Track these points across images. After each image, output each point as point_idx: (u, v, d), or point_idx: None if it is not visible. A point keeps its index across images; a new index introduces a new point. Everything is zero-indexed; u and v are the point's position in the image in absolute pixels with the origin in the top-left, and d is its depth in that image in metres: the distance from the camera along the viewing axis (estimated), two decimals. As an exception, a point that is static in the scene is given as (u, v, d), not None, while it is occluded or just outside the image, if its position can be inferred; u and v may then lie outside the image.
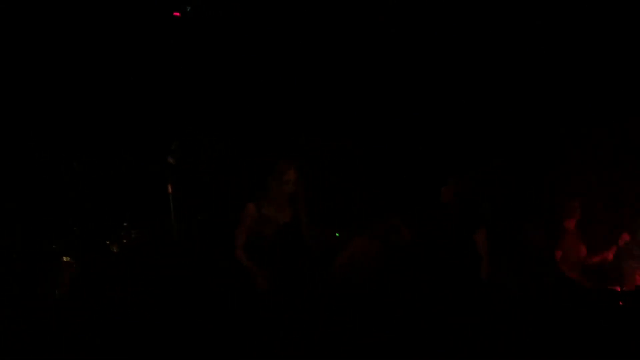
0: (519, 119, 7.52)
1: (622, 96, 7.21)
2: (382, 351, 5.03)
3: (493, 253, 5.90)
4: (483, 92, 7.59)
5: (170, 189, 6.47)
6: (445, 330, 5.14)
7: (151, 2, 7.02)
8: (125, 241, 6.75)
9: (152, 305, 5.66)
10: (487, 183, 6.42)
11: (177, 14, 7.02)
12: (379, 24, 7.38)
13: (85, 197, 7.09)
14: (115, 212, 7.04)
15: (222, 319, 5.38)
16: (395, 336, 5.11)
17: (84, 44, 7.08)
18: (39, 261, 6.33)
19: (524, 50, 7.37)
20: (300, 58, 7.47)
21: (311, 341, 5.08)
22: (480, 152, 7.41)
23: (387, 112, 7.64)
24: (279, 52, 7.51)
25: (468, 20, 7.31)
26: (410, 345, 5.05)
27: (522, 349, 5.01)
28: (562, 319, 5.31)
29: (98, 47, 7.13)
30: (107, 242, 6.76)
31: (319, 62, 7.50)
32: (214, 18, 7.29)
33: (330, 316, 5.27)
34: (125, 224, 6.86)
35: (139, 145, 7.23)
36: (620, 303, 5.68)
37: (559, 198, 7.23)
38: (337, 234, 6.46)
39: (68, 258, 6.32)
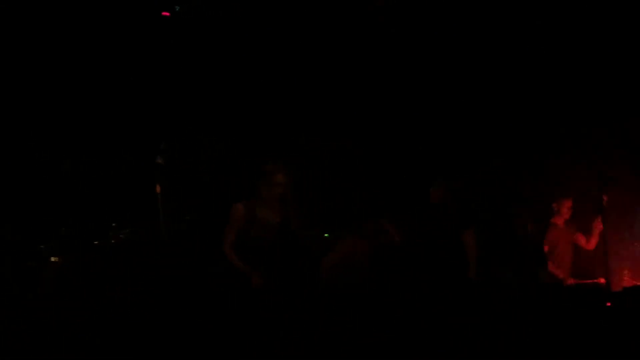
0: (509, 119, 7.55)
1: (614, 100, 7.25)
2: (372, 351, 5.03)
3: (482, 252, 5.91)
4: (474, 94, 7.61)
5: (159, 189, 6.45)
6: (436, 330, 5.14)
7: (142, 2, 7.00)
8: (114, 241, 6.73)
9: (142, 305, 5.64)
10: (476, 184, 6.44)
11: (166, 13, 7.00)
12: (376, 25, 7.38)
13: (74, 197, 7.06)
14: (104, 212, 7.01)
15: (213, 319, 5.37)
16: (386, 336, 5.11)
17: (75, 45, 7.05)
18: (27, 261, 6.30)
19: (517, 54, 7.39)
20: (292, 60, 7.47)
21: (301, 341, 5.07)
22: (470, 153, 7.43)
23: (377, 114, 7.66)
24: (272, 52, 7.51)
25: (463, 25, 7.33)
26: (400, 344, 5.05)
27: (510, 348, 5.02)
28: (550, 319, 5.33)
29: (88, 47, 7.10)
30: (96, 242, 6.73)
31: (310, 63, 7.50)
32: (207, 17, 7.27)
33: (320, 316, 5.27)
34: (114, 224, 6.83)
35: (128, 146, 7.21)
36: (608, 304, 5.69)
37: (549, 197, 7.26)
38: (327, 235, 6.46)
39: (56, 258, 6.29)
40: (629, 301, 5.64)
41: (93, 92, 7.22)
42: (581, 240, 7.21)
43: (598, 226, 6.90)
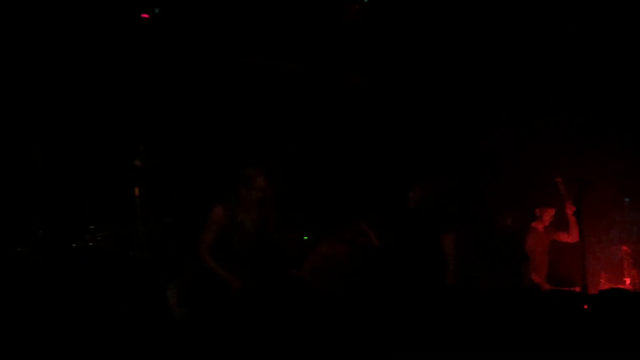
0: (488, 124, 7.58)
1: (593, 102, 7.30)
2: (350, 352, 5.04)
3: (461, 255, 5.93)
4: (453, 97, 7.64)
5: (137, 192, 6.42)
6: (414, 332, 5.16)
7: (120, 4, 6.96)
8: (91, 244, 6.69)
9: (120, 307, 5.62)
10: (454, 187, 6.45)
11: (145, 15, 6.98)
12: (353, 29, 7.41)
13: (51, 199, 7.01)
14: (82, 215, 6.97)
15: (191, 322, 5.36)
16: (364, 337, 5.12)
17: (55, 46, 7.01)
18: (4, 264, 6.25)
19: (496, 57, 7.44)
20: (270, 63, 7.48)
21: (281, 343, 5.07)
22: (448, 157, 7.46)
23: (355, 118, 7.68)
24: (250, 55, 7.51)
25: (437, 28, 7.37)
26: (378, 345, 5.06)
27: (485, 351, 5.05)
28: (527, 322, 5.35)
29: (68, 48, 7.06)
30: (73, 245, 6.69)
31: (288, 67, 7.51)
32: (186, 18, 7.26)
33: (299, 318, 5.27)
34: (91, 227, 6.80)
35: (106, 148, 7.17)
36: (585, 307, 5.73)
37: (531, 194, 7.28)
38: (305, 238, 6.46)
39: (34, 261, 6.25)
40: (605, 304, 5.67)
41: (71, 93, 7.17)
42: (563, 236, 7.19)
43: (573, 218, 6.91)
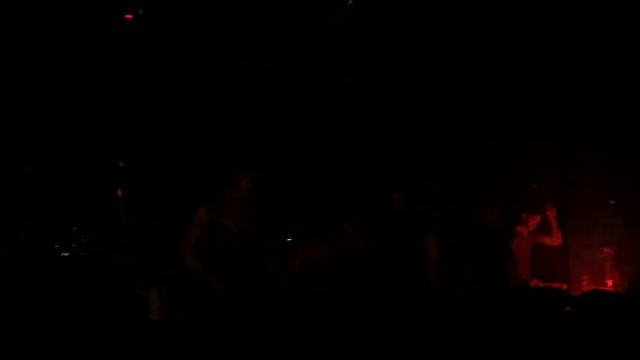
0: (474, 126, 7.60)
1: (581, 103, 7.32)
2: (333, 354, 5.04)
3: (445, 257, 5.94)
4: (439, 99, 7.66)
5: (120, 193, 6.40)
6: (397, 336, 5.17)
7: (104, 5, 6.94)
8: (74, 245, 6.67)
9: (102, 309, 5.60)
10: (439, 189, 6.46)
11: (129, 16, 6.96)
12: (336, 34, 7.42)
13: (34, 200, 6.98)
14: (65, 216, 6.94)
15: (173, 324, 5.34)
16: (347, 340, 5.12)
17: (38, 47, 6.98)
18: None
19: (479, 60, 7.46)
20: (253, 65, 7.47)
21: (264, 345, 5.07)
22: (433, 158, 7.47)
23: (340, 120, 7.68)
24: (234, 56, 7.50)
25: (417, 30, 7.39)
26: (362, 348, 5.07)
27: (466, 353, 5.07)
28: (509, 324, 5.37)
29: (51, 49, 7.03)
30: (56, 246, 6.67)
31: (272, 69, 7.51)
32: (170, 19, 7.24)
33: (282, 320, 5.26)
34: (74, 228, 6.78)
35: (90, 149, 7.15)
36: (567, 308, 5.77)
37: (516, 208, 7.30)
38: (289, 240, 6.45)
39: (17, 261, 6.23)
40: (587, 305, 5.71)
41: (54, 94, 7.14)
42: (545, 240, 7.23)
43: (554, 219, 6.96)
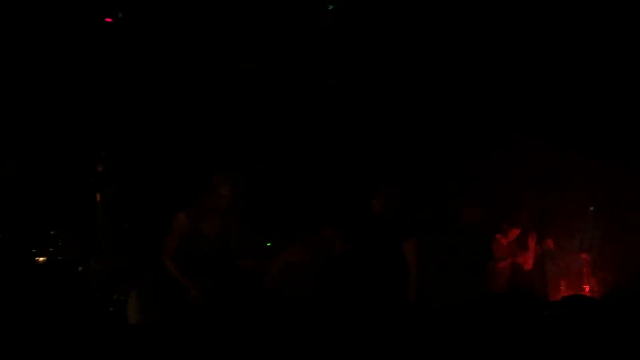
0: (456, 131, 7.62)
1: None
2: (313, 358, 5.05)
3: (424, 262, 5.94)
4: (421, 104, 7.68)
5: (98, 197, 6.38)
6: (376, 341, 5.17)
7: (83, 7, 6.92)
8: (51, 250, 6.63)
9: (81, 313, 5.58)
10: (418, 194, 6.47)
11: (108, 19, 6.94)
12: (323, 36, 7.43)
13: (12, 204, 6.93)
14: (43, 221, 6.90)
15: (151, 330, 5.32)
16: (326, 345, 5.12)
17: (16, 49, 6.94)
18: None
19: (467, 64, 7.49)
20: (235, 68, 7.46)
21: (243, 350, 5.06)
22: (413, 163, 7.48)
23: (319, 124, 7.68)
24: (216, 59, 7.49)
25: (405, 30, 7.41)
26: (341, 352, 5.07)
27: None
28: (487, 328, 5.39)
29: (30, 51, 7.00)
30: (34, 251, 6.63)
31: (253, 72, 7.50)
32: (149, 22, 7.23)
33: (262, 326, 5.26)
34: (52, 232, 6.74)
35: (67, 153, 7.11)
36: (545, 313, 5.80)
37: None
38: (269, 244, 6.45)
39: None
40: (565, 310, 5.74)
41: (32, 97, 7.10)
42: (519, 258, 7.22)
43: (532, 243, 6.96)
